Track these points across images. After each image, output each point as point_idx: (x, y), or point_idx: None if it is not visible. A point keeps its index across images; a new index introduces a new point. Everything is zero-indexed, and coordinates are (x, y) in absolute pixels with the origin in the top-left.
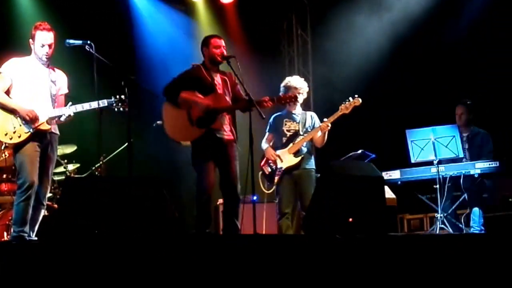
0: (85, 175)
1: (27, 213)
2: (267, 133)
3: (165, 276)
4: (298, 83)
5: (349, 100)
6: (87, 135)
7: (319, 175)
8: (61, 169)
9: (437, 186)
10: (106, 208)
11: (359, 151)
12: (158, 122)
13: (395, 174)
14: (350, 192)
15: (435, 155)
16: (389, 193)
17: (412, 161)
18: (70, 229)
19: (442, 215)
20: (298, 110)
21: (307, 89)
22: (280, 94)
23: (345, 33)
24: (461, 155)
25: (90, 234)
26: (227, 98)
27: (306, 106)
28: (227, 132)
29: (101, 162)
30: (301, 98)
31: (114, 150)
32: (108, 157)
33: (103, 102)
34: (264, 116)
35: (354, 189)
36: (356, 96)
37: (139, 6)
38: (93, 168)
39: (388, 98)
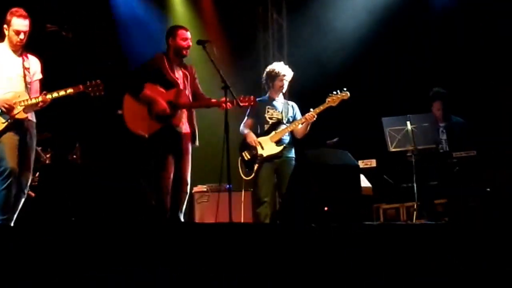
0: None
1: (9, 201)
2: (246, 118)
3: (138, 263)
4: (285, 69)
5: (337, 93)
6: (62, 122)
7: None
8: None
9: (414, 175)
10: (82, 197)
11: (335, 139)
12: (119, 111)
13: (372, 163)
14: (325, 181)
15: (412, 144)
16: (365, 182)
17: (390, 150)
18: (46, 216)
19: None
20: (280, 98)
21: (291, 75)
22: (263, 81)
23: (321, 17)
24: (439, 145)
25: (66, 221)
26: (188, 93)
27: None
28: (185, 126)
29: (76, 150)
30: (286, 85)
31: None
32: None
33: (79, 88)
34: (241, 105)
35: (329, 177)
36: (345, 89)
37: None
38: (68, 155)
39: (364, 85)
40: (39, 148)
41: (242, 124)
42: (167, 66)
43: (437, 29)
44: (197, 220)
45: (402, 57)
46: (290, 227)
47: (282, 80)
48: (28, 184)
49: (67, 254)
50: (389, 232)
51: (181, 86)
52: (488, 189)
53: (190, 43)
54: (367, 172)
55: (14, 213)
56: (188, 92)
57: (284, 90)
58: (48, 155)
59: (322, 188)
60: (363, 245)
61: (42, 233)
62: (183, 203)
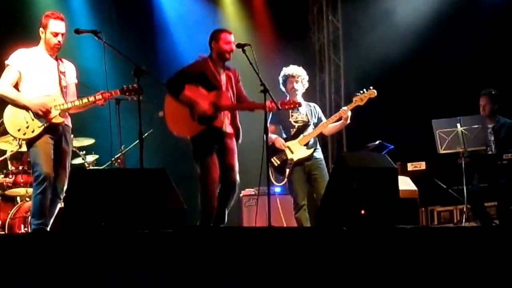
0: (103, 167)
1: (45, 206)
2: (269, 124)
3: (170, 269)
4: (294, 70)
5: (363, 92)
6: (107, 126)
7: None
8: (79, 160)
9: (464, 177)
10: (111, 201)
11: (377, 142)
12: (160, 113)
13: (421, 165)
14: (362, 184)
15: (462, 146)
16: (409, 185)
17: (439, 152)
18: (76, 222)
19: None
20: (301, 101)
21: (306, 77)
22: (281, 86)
23: (377, 19)
24: (489, 146)
25: (96, 227)
26: (231, 96)
27: (337, 94)
28: (228, 128)
29: (120, 154)
30: (300, 87)
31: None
32: (128, 148)
33: (116, 92)
34: (280, 107)
35: (366, 181)
36: (371, 87)
37: None
38: (112, 159)
39: (416, 87)
40: (83, 152)
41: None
42: (212, 69)
43: (487, 29)
44: (245, 223)
45: (454, 57)
46: (323, 231)
47: (292, 82)
48: (64, 189)
49: (96, 259)
50: (421, 235)
51: (224, 88)
52: None
53: (233, 47)
54: (416, 175)
55: (50, 218)
56: (231, 94)
57: (299, 92)
58: (93, 159)
59: (359, 192)
60: (394, 248)
61: (76, 238)
62: (230, 203)
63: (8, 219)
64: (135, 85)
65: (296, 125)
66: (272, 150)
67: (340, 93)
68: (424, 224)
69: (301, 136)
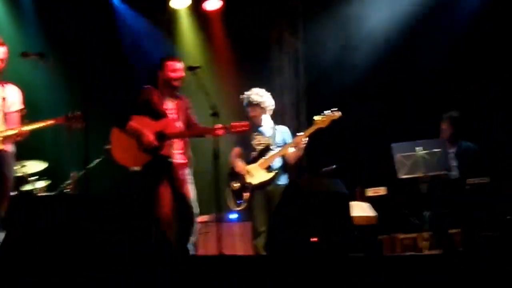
0: (54, 193)
1: None
2: (234, 147)
3: None
4: (262, 99)
5: (325, 113)
6: (61, 151)
7: None
8: (29, 187)
9: (425, 203)
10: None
11: (333, 166)
12: (107, 146)
13: (381, 191)
14: (313, 209)
15: (423, 171)
16: (368, 211)
17: (399, 176)
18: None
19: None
20: (267, 123)
21: (269, 101)
22: (244, 106)
23: (336, 38)
24: (450, 171)
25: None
26: (179, 123)
27: (297, 112)
28: (178, 157)
29: (71, 180)
30: (261, 113)
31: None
32: (79, 175)
33: (58, 120)
34: (230, 131)
35: (317, 206)
36: (335, 109)
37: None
38: (62, 185)
39: (374, 108)
40: (33, 178)
41: (231, 154)
42: (155, 98)
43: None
44: (200, 251)
45: (413, 80)
46: (276, 258)
47: (253, 109)
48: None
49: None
50: (373, 264)
51: (172, 117)
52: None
53: (183, 73)
54: (377, 201)
55: None
56: (180, 122)
57: (261, 117)
58: (44, 185)
59: (309, 217)
60: (346, 277)
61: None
62: (192, 233)
63: None
64: (78, 112)
65: (258, 147)
66: (232, 174)
67: (300, 117)
68: (386, 252)
69: (262, 159)
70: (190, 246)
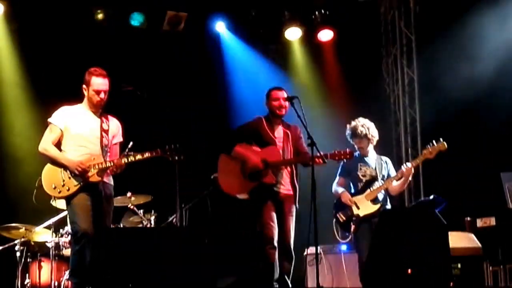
0: (163, 225)
1: (83, 264)
2: (338, 177)
3: None
4: (369, 130)
5: (433, 144)
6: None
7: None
8: (137, 219)
9: None
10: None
11: (431, 197)
12: (215, 174)
13: (491, 221)
14: (410, 241)
15: None
16: (472, 242)
17: (509, 206)
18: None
19: None
20: (372, 154)
21: (376, 132)
22: (347, 136)
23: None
24: None
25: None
26: (286, 153)
27: (413, 149)
28: (285, 187)
29: (178, 212)
30: (365, 143)
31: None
32: (186, 207)
33: (156, 152)
34: (326, 161)
35: (414, 238)
36: (441, 140)
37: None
38: (170, 218)
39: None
40: (141, 211)
41: (334, 183)
42: (265, 126)
43: None
44: (309, 283)
45: None
46: None
47: (357, 139)
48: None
49: None
50: None
51: (280, 145)
52: None
53: (283, 102)
54: (486, 231)
55: (89, 277)
56: (287, 151)
57: (365, 147)
58: (151, 217)
59: (405, 249)
60: None
61: None
62: (290, 268)
63: (63, 280)
64: (177, 144)
65: (364, 179)
66: (338, 205)
67: (416, 147)
68: (489, 284)
69: (368, 190)
70: (287, 280)
